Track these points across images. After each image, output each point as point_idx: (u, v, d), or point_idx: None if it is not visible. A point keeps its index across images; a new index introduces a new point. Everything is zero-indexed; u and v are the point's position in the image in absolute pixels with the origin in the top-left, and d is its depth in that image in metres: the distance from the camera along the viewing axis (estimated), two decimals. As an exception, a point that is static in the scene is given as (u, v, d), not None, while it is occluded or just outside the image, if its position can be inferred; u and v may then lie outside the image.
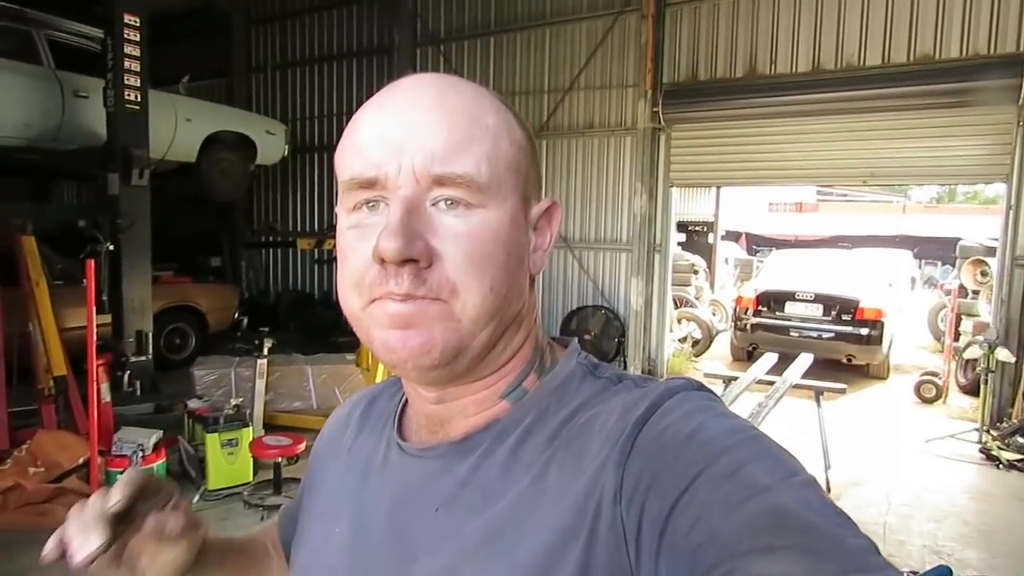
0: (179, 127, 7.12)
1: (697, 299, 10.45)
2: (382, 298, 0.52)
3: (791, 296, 8.05)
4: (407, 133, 0.51)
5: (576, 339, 0.65)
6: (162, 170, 7.17)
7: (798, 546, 0.39)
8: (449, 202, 0.51)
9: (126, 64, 5.76)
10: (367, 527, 0.60)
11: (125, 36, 5.72)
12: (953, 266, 12.09)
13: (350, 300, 0.54)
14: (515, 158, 0.55)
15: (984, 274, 8.82)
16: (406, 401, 0.66)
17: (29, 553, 3.25)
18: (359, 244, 0.53)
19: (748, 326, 8.27)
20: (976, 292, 9.17)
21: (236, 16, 10.87)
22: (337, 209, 0.57)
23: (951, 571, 0.41)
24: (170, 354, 7.64)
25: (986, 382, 5.99)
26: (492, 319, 0.53)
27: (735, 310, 8.74)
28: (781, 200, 23.46)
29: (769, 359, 5.55)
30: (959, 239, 10.80)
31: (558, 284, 8.49)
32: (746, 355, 8.36)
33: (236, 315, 8.14)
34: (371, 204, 0.53)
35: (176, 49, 10.39)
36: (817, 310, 7.85)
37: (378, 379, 5.54)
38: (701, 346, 9.38)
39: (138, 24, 5.80)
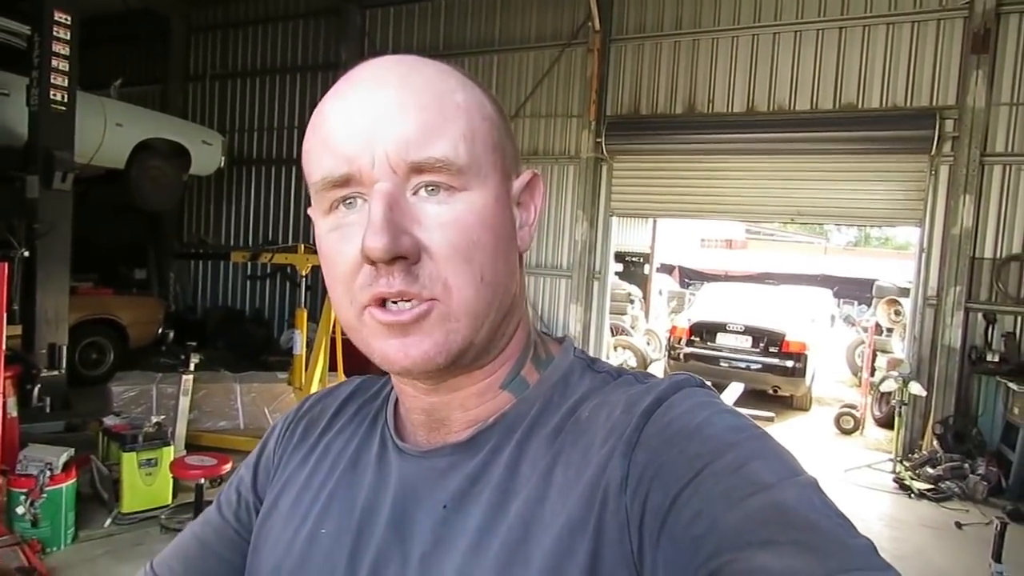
0: (108, 131, 6.81)
1: (632, 328, 10.66)
2: (373, 305, 0.50)
3: (722, 327, 8.32)
4: (376, 121, 0.48)
5: (568, 334, 0.65)
6: (88, 175, 6.83)
7: (800, 542, 0.40)
8: (430, 188, 0.49)
9: (54, 63, 5.47)
10: (363, 526, 0.57)
11: (54, 34, 5.45)
12: (869, 305, 12.80)
13: (343, 309, 0.52)
14: (490, 133, 0.53)
15: (898, 313, 9.39)
16: (396, 398, 0.64)
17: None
18: (343, 247, 0.50)
19: (681, 355, 8.48)
20: (890, 330, 9.74)
21: (175, 22, 10.55)
22: (311, 212, 0.54)
23: None
24: (86, 369, 7.21)
25: (900, 415, 6.31)
26: (490, 310, 0.52)
27: (669, 340, 8.96)
28: (712, 236, 24.34)
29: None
30: (875, 280, 11.46)
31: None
32: (678, 384, 8.54)
33: (160, 330, 7.77)
34: (348, 201, 0.50)
35: (110, 52, 10.02)
36: (746, 342, 8.13)
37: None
38: (636, 374, 9.55)
39: (69, 22, 5.54)
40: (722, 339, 8.30)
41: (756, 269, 19.31)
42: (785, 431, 7.35)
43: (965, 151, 6.22)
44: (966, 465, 5.69)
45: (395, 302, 0.49)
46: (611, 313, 8.86)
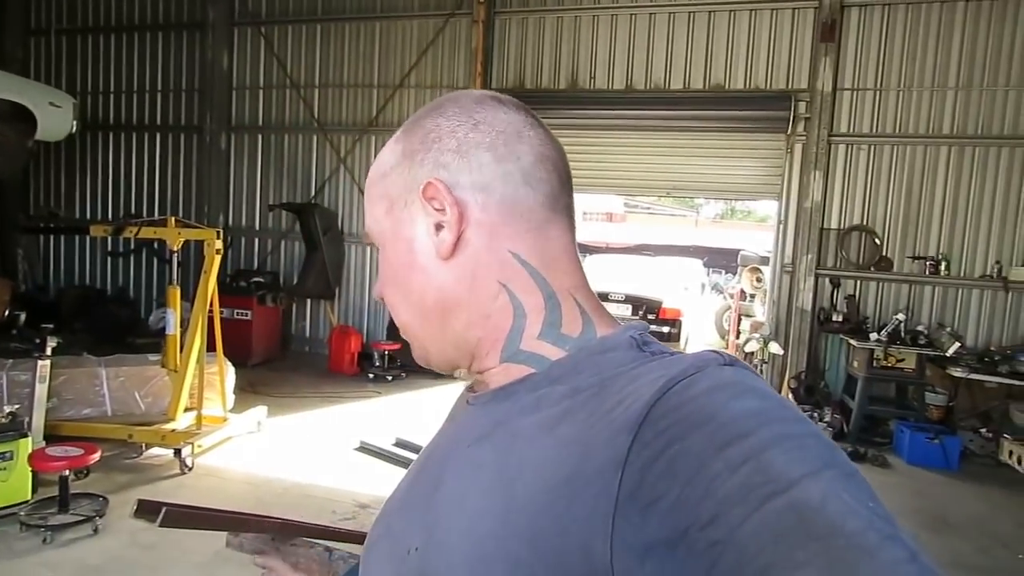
0: (-69, 89, 5.99)
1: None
2: None
3: (605, 297, 8.70)
4: None
5: (641, 322, 0.71)
6: (-93, 139, 5.99)
7: (821, 559, 0.37)
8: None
9: None
10: (424, 467, 0.68)
11: None
12: (735, 273, 13.81)
13: None
14: (383, 198, 0.67)
15: (759, 280, 10.20)
16: None
17: None
18: None
19: (566, 325, 8.76)
20: (753, 296, 10.58)
21: (9, -32, 9.37)
22: None
23: None
24: (-84, 359, 6.38)
25: (761, 372, 6.92)
26: (415, 325, 0.67)
27: (555, 310, 9.23)
28: (594, 210, 25.15)
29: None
30: (740, 250, 12.36)
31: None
32: (564, 352, 8.83)
33: (7, 312, 7.01)
34: None
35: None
36: (627, 310, 8.56)
37: (187, 380, 5.11)
38: (523, 344, 9.77)
39: None
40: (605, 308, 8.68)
41: (634, 241, 20.22)
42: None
43: (815, 131, 6.83)
44: (816, 414, 6.36)
45: None
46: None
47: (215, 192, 8.94)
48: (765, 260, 9.81)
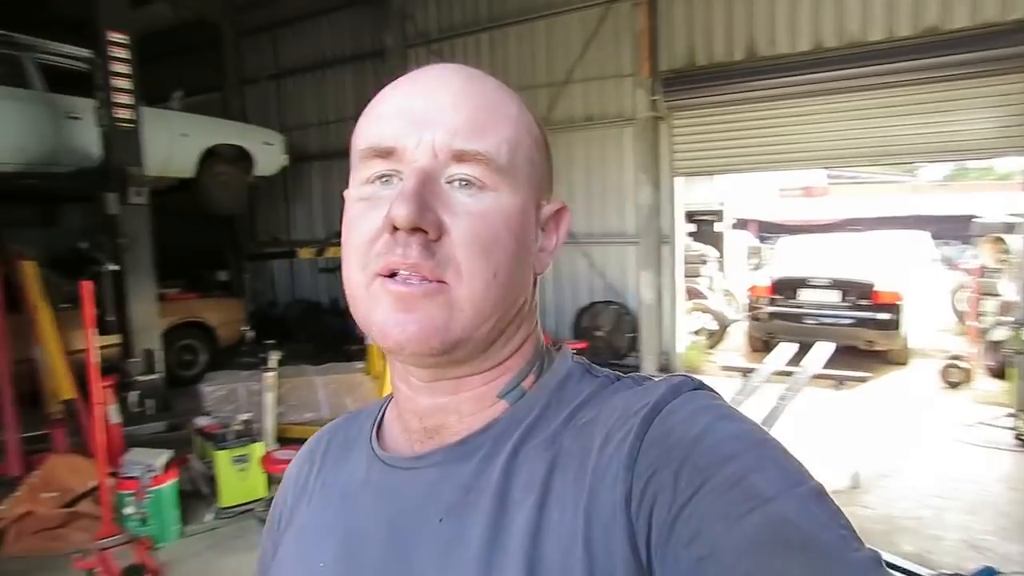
0: (175, 143, 7.08)
1: (711, 289, 10.25)
2: (384, 275, 0.50)
3: (804, 283, 7.88)
4: (431, 110, 0.52)
5: (566, 344, 0.63)
6: (162, 187, 7.14)
7: (797, 567, 0.39)
8: (464, 182, 0.51)
9: (116, 82, 5.71)
10: (359, 552, 0.56)
11: (113, 54, 5.67)
12: (970, 244, 11.86)
13: (353, 275, 0.53)
14: (532, 150, 0.56)
15: (1005, 251, 8.59)
16: (382, 418, 0.65)
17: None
18: (368, 213, 0.52)
19: (763, 315, 8.10)
20: (997, 270, 8.94)
21: (225, 29, 10.85)
22: (345, 194, 0.57)
23: (995, 572, 0.33)
24: (181, 371, 7.63)
25: (1014, 364, 5.79)
26: (495, 310, 0.53)
27: (750, 300, 8.57)
28: (792, 185, 23.15)
29: (787, 349, 5.36)
30: (973, 216, 10.54)
31: (566, 281, 8.36)
32: (763, 345, 8.16)
33: (244, 328, 8.11)
34: (384, 178, 0.53)
35: (168, 65, 10.39)
36: (833, 296, 7.67)
37: (387, 387, 5.46)
38: (715, 338, 9.23)
39: (126, 42, 5.75)
40: (805, 295, 7.85)
41: (839, 216, 18.28)
42: (883, 389, 6.90)
43: (1074, 64, 5.54)
44: (1095, 413, 5.17)
45: (407, 279, 0.50)
46: (687, 276, 8.48)
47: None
48: (1010, 227, 8.23)
